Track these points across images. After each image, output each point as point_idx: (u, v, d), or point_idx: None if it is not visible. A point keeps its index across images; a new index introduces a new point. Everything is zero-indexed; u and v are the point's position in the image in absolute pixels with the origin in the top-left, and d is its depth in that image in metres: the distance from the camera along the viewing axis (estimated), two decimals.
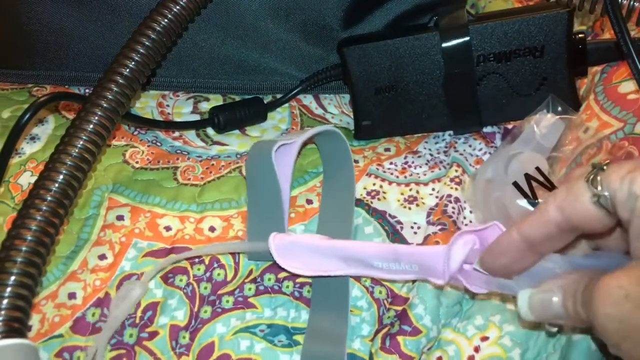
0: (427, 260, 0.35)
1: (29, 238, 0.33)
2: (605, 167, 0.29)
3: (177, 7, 0.41)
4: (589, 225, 0.29)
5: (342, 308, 0.39)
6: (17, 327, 0.31)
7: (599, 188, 0.28)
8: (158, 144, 0.48)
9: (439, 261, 0.35)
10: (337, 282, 0.39)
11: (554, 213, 0.30)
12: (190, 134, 0.49)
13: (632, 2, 0.39)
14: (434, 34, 0.46)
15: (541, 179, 0.42)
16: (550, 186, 0.42)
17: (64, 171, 0.35)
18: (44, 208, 0.34)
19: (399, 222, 0.43)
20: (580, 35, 0.46)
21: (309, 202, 0.44)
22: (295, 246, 0.39)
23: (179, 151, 0.47)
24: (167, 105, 0.51)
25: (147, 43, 0.40)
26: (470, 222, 0.44)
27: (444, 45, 0.46)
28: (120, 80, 0.39)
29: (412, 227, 0.43)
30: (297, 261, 0.39)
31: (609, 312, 0.26)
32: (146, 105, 0.51)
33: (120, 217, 0.42)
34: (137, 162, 0.46)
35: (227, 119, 0.49)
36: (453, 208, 0.44)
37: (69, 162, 0.36)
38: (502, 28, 0.45)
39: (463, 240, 0.35)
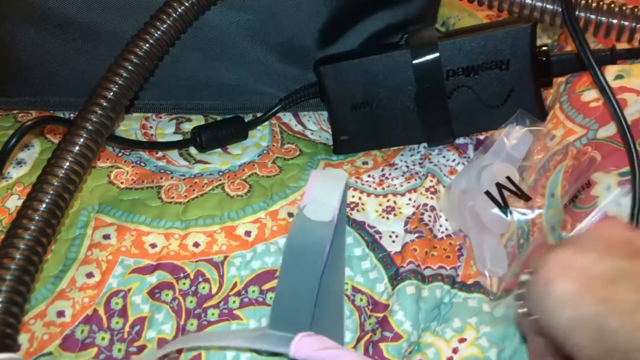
0: None
1: (18, 257, 0.34)
2: None
3: (158, 32, 0.43)
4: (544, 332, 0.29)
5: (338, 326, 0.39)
6: (9, 343, 0.32)
7: None
8: (142, 164, 0.49)
9: None
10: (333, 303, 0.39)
11: None
12: (174, 154, 0.50)
13: (588, 15, 0.41)
14: (405, 51, 0.48)
15: (512, 187, 0.44)
16: (520, 194, 0.43)
17: (51, 192, 0.37)
18: (32, 228, 0.35)
19: (378, 232, 0.45)
20: (544, 48, 0.48)
21: (291, 215, 0.45)
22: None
23: (162, 170, 0.49)
24: (150, 127, 0.52)
25: (130, 67, 0.41)
26: (447, 229, 0.45)
27: (414, 61, 0.48)
28: (105, 104, 0.40)
29: (390, 236, 0.45)
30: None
31: None
32: (130, 127, 0.52)
33: (106, 236, 0.44)
34: (122, 183, 0.47)
35: (209, 138, 0.50)
36: (429, 216, 0.45)
37: (55, 183, 0.37)
38: (469, 44, 0.47)
39: None
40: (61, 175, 0.37)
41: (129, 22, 0.47)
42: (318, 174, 0.45)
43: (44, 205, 0.36)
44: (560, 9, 0.41)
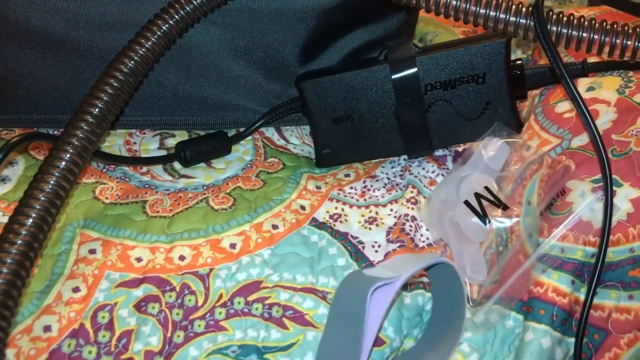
0: None
1: (5, 271, 0.34)
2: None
3: (143, 50, 0.43)
4: None
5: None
6: None
7: None
8: (127, 179, 0.50)
9: None
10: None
11: None
12: (158, 169, 0.51)
13: (560, 29, 0.42)
14: (384, 66, 0.49)
15: (490, 197, 0.45)
16: (498, 203, 0.45)
17: (37, 206, 0.37)
18: (19, 242, 0.35)
19: (361, 242, 0.46)
20: (518, 62, 0.50)
21: (275, 227, 0.46)
22: None
23: (147, 185, 0.49)
24: (134, 143, 0.53)
25: (114, 84, 0.42)
26: (427, 238, 0.46)
27: (393, 76, 0.49)
28: (90, 119, 0.41)
29: (373, 246, 0.46)
30: None
31: None
32: (114, 143, 0.52)
33: (92, 251, 0.44)
34: (107, 198, 0.48)
35: (193, 153, 0.51)
36: (410, 226, 0.46)
37: (42, 198, 0.37)
38: (446, 58, 0.48)
39: None
40: (48, 189, 0.38)
41: (113, 39, 0.48)
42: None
43: (30, 220, 0.36)
44: (532, 24, 0.42)
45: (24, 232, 0.36)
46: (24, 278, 0.35)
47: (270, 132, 0.56)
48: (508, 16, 0.43)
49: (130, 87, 0.43)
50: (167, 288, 0.42)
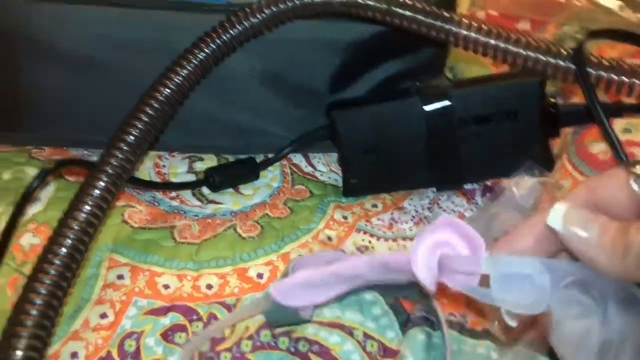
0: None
1: (38, 302, 0.34)
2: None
3: (179, 78, 0.44)
4: (617, 207, 0.29)
5: None
6: None
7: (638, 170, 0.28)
8: (156, 203, 0.50)
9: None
10: None
11: (584, 193, 0.29)
12: (187, 194, 0.51)
13: (599, 72, 0.42)
14: (417, 99, 0.49)
15: None
16: None
17: (71, 235, 0.37)
18: (52, 272, 0.36)
19: None
20: (552, 100, 0.49)
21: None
22: (295, 287, 0.39)
23: (176, 210, 0.49)
24: (164, 166, 0.53)
25: (150, 111, 0.42)
26: None
27: (426, 109, 0.49)
28: (125, 147, 0.41)
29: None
30: (302, 300, 0.39)
31: None
32: (144, 166, 0.53)
33: (120, 276, 0.44)
34: (135, 222, 0.48)
35: (222, 179, 0.51)
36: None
37: (75, 227, 0.37)
38: (480, 93, 0.48)
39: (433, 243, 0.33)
40: (81, 218, 0.38)
41: (148, 64, 0.48)
42: None
43: (64, 250, 0.36)
44: (572, 66, 0.42)
45: (57, 262, 0.36)
46: (57, 308, 0.35)
47: (297, 158, 0.56)
48: (547, 57, 0.43)
49: (165, 115, 0.43)
50: (194, 317, 0.42)
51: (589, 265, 0.28)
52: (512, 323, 0.32)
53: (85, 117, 0.52)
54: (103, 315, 0.42)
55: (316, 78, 0.52)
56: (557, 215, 0.29)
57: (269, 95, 0.52)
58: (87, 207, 0.38)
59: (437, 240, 0.33)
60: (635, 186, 0.28)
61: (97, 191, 0.39)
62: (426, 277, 0.33)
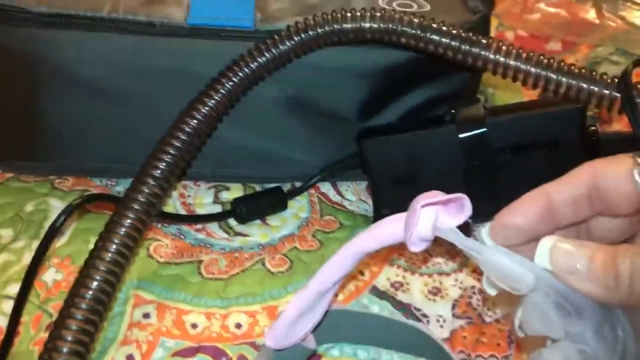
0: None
1: (65, 350, 0.33)
2: None
3: (206, 109, 0.42)
4: (615, 199, 0.28)
5: None
6: None
7: None
8: (182, 236, 0.48)
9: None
10: None
11: (586, 175, 0.28)
12: (213, 226, 0.49)
13: None
14: (451, 126, 0.47)
15: None
16: None
17: (97, 277, 0.36)
18: (80, 317, 0.34)
19: (425, 315, 0.43)
20: (592, 128, 0.47)
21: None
22: (286, 326, 0.37)
23: (202, 244, 0.48)
24: (189, 196, 0.52)
25: (177, 144, 0.41)
26: (495, 312, 0.44)
27: (461, 136, 0.47)
28: (152, 182, 0.40)
29: (438, 321, 0.43)
30: (299, 333, 0.37)
31: None
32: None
33: (146, 315, 0.42)
34: (161, 257, 0.46)
35: (250, 210, 0.49)
36: (478, 299, 0.44)
37: (102, 268, 0.36)
38: (518, 121, 0.46)
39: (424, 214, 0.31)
40: (108, 259, 0.36)
41: (169, 91, 0.47)
42: None
43: (90, 293, 0.35)
44: (618, 95, 0.40)
45: (84, 306, 0.34)
46: (83, 355, 0.34)
47: (325, 187, 0.54)
48: (591, 86, 0.41)
49: (193, 148, 0.42)
50: (223, 359, 0.40)
51: (589, 298, 0.26)
52: (491, 291, 0.30)
53: (107, 145, 0.50)
54: (129, 357, 0.40)
55: (344, 105, 0.50)
56: (544, 251, 0.27)
57: (296, 123, 0.50)
58: (114, 247, 0.37)
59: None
60: (638, 178, 0.27)
61: (123, 229, 0.38)
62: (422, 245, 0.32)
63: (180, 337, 0.41)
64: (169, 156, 0.41)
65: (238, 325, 0.42)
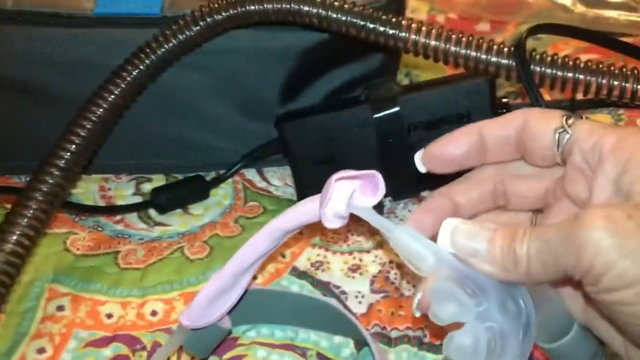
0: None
1: None
2: (585, 118, 0.29)
3: (112, 97, 0.42)
4: (534, 151, 0.29)
5: None
6: None
7: (569, 127, 0.28)
8: (99, 229, 0.48)
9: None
10: None
11: (519, 120, 0.30)
12: (132, 217, 0.49)
13: (543, 69, 0.41)
14: (366, 106, 0.47)
15: None
16: None
17: None
18: None
19: (344, 292, 0.44)
20: (504, 100, 0.48)
21: (253, 278, 0.44)
22: (202, 306, 0.36)
23: (120, 235, 0.47)
24: (109, 189, 0.51)
25: (82, 133, 0.40)
26: (414, 286, 0.44)
27: (375, 116, 0.47)
28: (56, 172, 0.39)
29: (356, 297, 0.43)
30: (215, 313, 0.37)
31: (609, 228, 0.23)
32: (88, 190, 0.51)
33: (60, 308, 0.42)
34: (77, 249, 0.46)
35: (169, 199, 0.49)
36: (395, 274, 0.44)
37: (1, 259, 0.35)
38: (429, 97, 0.47)
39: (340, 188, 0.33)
40: (8, 250, 0.36)
41: (75, 81, 0.46)
42: None
43: None
44: (515, 64, 0.41)
45: None
46: None
47: (251, 173, 0.54)
48: (489, 56, 0.41)
49: (99, 137, 0.41)
50: (138, 347, 0.40)
51: (490, 278, 0.27)
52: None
53: (29, 143, 0.49)
54: (41, 351, 0.40)
55: (264, 89, 0.50)
56: (446, 233, 0.28)
57: (217, 110, 0.50)
58: (14, 237, 0.36)
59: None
60: (557, 135, 0.28)
61: (25, 220, 0.37)
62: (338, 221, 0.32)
63: (95, 328, 0.41)
64: (74, 146, 0.40)
65: (154, 313, 0.42)
